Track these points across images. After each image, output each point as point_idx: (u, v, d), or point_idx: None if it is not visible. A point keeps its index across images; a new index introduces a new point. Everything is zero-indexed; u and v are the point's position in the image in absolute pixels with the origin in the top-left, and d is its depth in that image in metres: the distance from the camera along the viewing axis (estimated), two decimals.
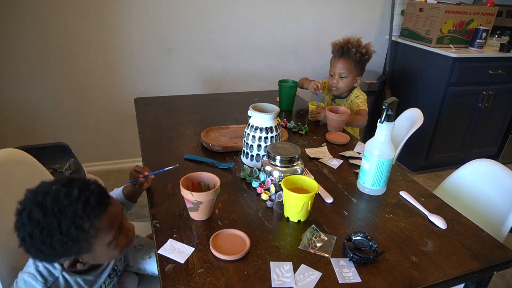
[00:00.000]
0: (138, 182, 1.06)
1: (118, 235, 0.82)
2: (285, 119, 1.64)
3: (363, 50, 1.72)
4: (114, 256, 0.87)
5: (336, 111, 1.59)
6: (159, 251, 0.86)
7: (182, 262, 0.84)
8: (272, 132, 1.21)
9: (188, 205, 0.96)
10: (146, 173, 1.06)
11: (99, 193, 0.77)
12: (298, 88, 1.83)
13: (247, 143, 1.24)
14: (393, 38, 2.90)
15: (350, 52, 1.70)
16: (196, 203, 0.93)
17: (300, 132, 1.57)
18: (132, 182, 1.06)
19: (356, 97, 1.80)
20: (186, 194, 0.93)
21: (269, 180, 1.10)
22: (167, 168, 1.10)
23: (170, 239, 0.90)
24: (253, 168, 1.21)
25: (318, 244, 0.91)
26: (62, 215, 0.72)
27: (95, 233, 0.76)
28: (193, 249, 0.88)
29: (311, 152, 1.39)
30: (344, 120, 1.56)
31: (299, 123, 1.61)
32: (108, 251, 0.82)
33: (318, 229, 0.95)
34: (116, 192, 1.12)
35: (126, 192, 1.11)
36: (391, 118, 1.06)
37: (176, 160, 1.28)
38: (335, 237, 0.94)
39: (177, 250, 0.87)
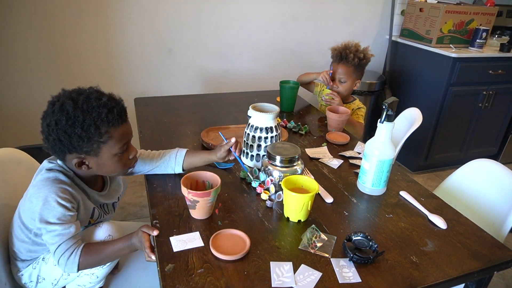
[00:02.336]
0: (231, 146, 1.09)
1: (124, 151, 0.93)
2: (285, 119, 1.63)
3: (361, 55, 1.75)
4: (114, 170, 0.95)
5: (336, 111, 1.59)
6: (176, 250, 0.87)
7: (203, 244, 0.88)
8: (272, 132, 1.21)
9: (187, 203, 0.97)
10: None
11: (122, 108, 0.91)
12: (299, 89, 1.83)
13: (247, 143, 1.24)
14: (393, 38, 2.90)
15: (348, 57, 1.74)
16: (193, 201, 0.94)
17: (300, 132, 1.57)
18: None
19: (358, 108, 1.85)
20: (183, 191, 0.94)
21: (269, 180, 1.10)
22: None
23: (171, 237, 0.90)
24: (253, 168, 1.21)
25: (318, 244, 0.91)
26: (88, 113, 0.85)
27: (107, 139, 0.88)
28: (197, 232, 0.92)
29: (311, 152, 1.39)
30: (344, 120, 1.56)
31: (299, 123, 1.61)
32: (112, 162, 0.92)
33: (318, 229, 0.95)
34: (178, 153, 1.13)
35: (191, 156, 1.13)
36: (391, 118, 1.06)
37: None
38: (335, 237, 0.94)
39: (188, 240, 0.90)
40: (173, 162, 1.13)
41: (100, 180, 1.08)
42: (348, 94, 1.84)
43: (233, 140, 1.09)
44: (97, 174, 1.02)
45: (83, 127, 0.85)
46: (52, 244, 0.87)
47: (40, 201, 0.86)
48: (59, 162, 0.94)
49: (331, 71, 1.79)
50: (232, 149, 1.10)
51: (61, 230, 0.87)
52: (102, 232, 0.99)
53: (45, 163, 0.95)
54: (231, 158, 1.14)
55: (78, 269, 0.89)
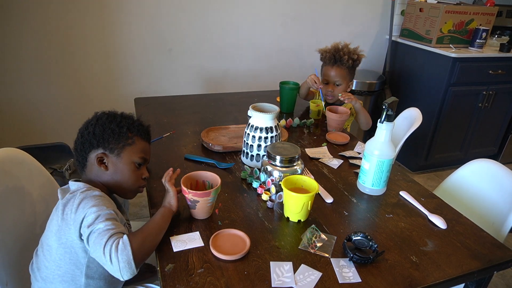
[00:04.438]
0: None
1: (140, 164, 1.00)
2: (290, 119, 1.63)
3: (354, 56, 1.72)
4: (126, 181, 0.98)
5: (336, 111, 1.59)
6: (176, 250, 0.87)
7: (203, 244, 0.89)
8: (272, 132, 1.21)
9: (187, 203, 0.97)
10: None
11: (149, 131, 1.06)
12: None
13: (247, 143, 1.24)
14: (393, 38, 2.90)
15: (342, 60, 1.70)
16: (193, 201, 0.94)
17: (305, 125, 1.61)
18: None
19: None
20: (184, 191, 0.94)
21: (270, 181, 1.10)
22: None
23: (171, 237, 0.90)
24: (253, 168, 1.21)
25: (318, 244, 0.91)
26: (125, 119, 0.99)
27: (132, 143, 0.97)
28: (197, 232, 0.92)
29: (311, 152, 1.39)
30: (344, 120, 1.56)
31: (304, 120, 1.64)
32: (128, 169, 0.97)
33: (318, 229, 0.95)
34: None
35: None
36: (391, 118, 1.06)
37: (176, 160, 1.28)
38: (335, 237, 0.94)
39: (188, 240, 0.90)
40: None
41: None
42: None
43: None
44: (110, 190, 0.99)
45: (118, 124, 0.96)
46: (101, 244, 0.80)
47: (87, 210, 0.83)
48: (80, 185, 0.92)
49: (321, 86, 1.72)
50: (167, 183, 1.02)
51: (107, 226, 0.82)
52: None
53: (71, 186, 0.92)
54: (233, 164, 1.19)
55: (134, 258, 0.79)
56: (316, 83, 1.71)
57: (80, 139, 0.98)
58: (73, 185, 0.92)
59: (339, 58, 1.71)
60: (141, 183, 1.02)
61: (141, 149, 1.00)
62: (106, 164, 0.96)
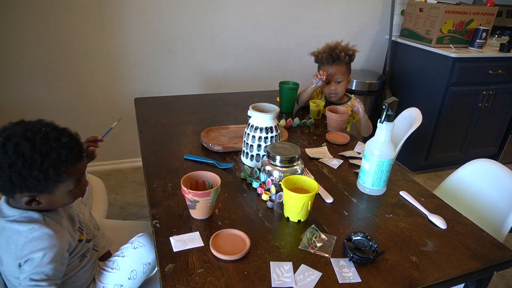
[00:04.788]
0: (89, 152, 1.09)
1: (77, 186, 0.90)
2: (290, 119, 1.63)
3: (349, 52, 1.75)
4: (64, 204, 0.94)
5: (336, 111, 1.59)
6: (176, 250, 0.87)
7: (203, 244, 0.89)
8: (272, 132, 1.21)
9: (187, 203, 0.97)
10: (99, 138, 1.10)
11: (80, 145, 0.90)
12: (299, 90, 1.83)
13: (247, 143, 1.24)
14: (393, 38, 2.90)
15: (340, 57, 1.72)
16: (193, 201, 0.94)
17: (305, 125, 1.62)
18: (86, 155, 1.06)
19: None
20: (184, 191, 0.94)
21: (270, 181, 1.10)
22: (113, 125, 1.17)
23: (171, 237, 0.91)
24: (253, 168, 1.21)
25: (318, 244, 0.91)
26: (47, 155, 0.80)
27: (65, 178, 0.85)
28: (197, 232, 0.92)
29: (311, 152, 1.39)
30: (344, 120, 1.56)
31: (304, 120, 1.64)
32: (65, 197, 0.89)
33: (318, 229, 0.95)
34: None
35: None
36: (391, 118, 1.06)
37: (176, 160, 1.28)
38: (335, 237, 0.94)
39: (188, 240, 0.90)
40: None
41: None
42: (344, 94, 1.83)
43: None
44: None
45: (41, 170, 0.80)
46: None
47: (36, 258, 0.82)
48: (15, 213, 0.86)
49: (323, 78, 1.68)
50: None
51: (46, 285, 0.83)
52: None
53: (6, 221, 0.85)
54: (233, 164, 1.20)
55: None
56: (318, 76, 1.69)
57: None
58: (7, 212, 0.86)
59: (336, 56, 1.73)
60: (79, 195, 0.94)
61: (76, 175, 0.88)
62: (38, 201, 0.86)
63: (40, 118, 0.89)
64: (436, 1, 2.67)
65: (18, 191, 0.83)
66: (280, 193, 1.07)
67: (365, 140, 1.25)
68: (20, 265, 0.83)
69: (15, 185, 0.81)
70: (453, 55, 2.44)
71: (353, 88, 2.75)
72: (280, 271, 0.83)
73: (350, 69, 1.80)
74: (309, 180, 1.02)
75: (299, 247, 0.90)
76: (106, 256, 1.14)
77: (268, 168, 1.11)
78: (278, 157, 1.08)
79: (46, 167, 0.80)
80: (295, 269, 0.83)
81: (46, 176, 0.81)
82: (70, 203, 0.95)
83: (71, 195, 0.91)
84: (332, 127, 1.58)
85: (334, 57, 1.73)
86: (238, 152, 1.34)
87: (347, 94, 1.87)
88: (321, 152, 1.39)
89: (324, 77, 1.70)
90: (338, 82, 1.77)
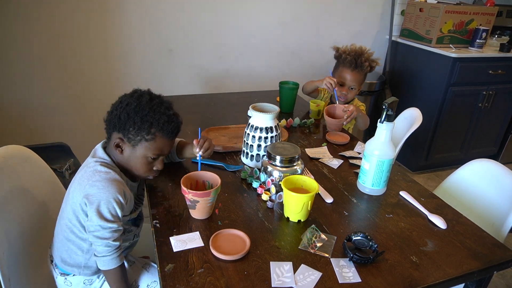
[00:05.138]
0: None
1: (154, 159, 1.01)
2: (290, 119, 1.63)
3: (373, 64, 1.69)
4: (137, 169, 1.02)
5: (333, 111, 1.59)
6: (176, 250, 0.87)
7: (203, 244, 0.89)
8: (272, 132, 1.21)
9: (187, 203, 0.97)
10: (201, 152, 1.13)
11: (178, 127, 1.03)
12: (299, 89, 1.82)
13: (247, 143, 1.24)
14: (393, 38, 2.90)
15: (363, 66, 1.66)
16: (193, 201, 0.94)
17: (305, 126, 1.61)
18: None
19: (358, 105, 1.79)
20: (184, 191, 0.94)
21: (270, 181, 1.10)
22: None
23: (171, 237, 0.91)
24: (253, 168, 1.21)
25: (318, 244, 0.91)
26: (153, 112, 0.96)
27: (150, 139, 0.97)
28: (197, 232, 0.93)
29: (311, 152, 1.39)
30: (341, 124, 1.56)
31: (305, 120, 1.64)
32: (140, 161, 1.00)
33: (318, 229, 0.95)
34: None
35: (181, 147, 1.22)
36: (391, 118, 1.06)
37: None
38: (335, 237, 0.94)
39: (188, 240, 0.90)
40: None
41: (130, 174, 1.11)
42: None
43: (196, 150, 1.13)
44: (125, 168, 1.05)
45: (142, 118, 0.95)
46: (104, 239, 0.92)
47: (102, 201, 0.91)
48: (105, 157, 1.00)
49: (336, 87, 1.67)
50: (198, 150, 1.12)
51: (117, 227, 0.93)
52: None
53: (93, 160, 0.99)
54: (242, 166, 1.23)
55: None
56: (331, 85, 1.66)
57: (109, 116, 1.00)
58: (100, 154, 1.00)
59: (360, 64, 1.66)
60: (151, 173, 1.04)
61: (159, 146, 0.99)
62: (122, 148, 0.99)
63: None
64: (436, 1, 2.67)
65: (117, 129, 0.97)
66: (280, 193, 1.07)
67: (365, 140, 1.25)
68: (86, 204, 0.92)
69: (120, 122, 0.96)
70: (453, 55, 2.44)
71: None
72: (280, 271, 0.83)
73: (365, 78, 1.76)
74: (309, 180, 1.02)
75: (299, 247, 0.90)
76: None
77: (268, 168, 1.11)
78: (278, 157, 1.08)
79: (146, 119, 0.95)
80: (295, 269, 0.83)
81: (141, 126, 0.95)
82: (143, 174, 1.03)
83: (146, 164, 1.00)
84: (331, 129, 1.58)
85: (358, 64, 1.67)
86: (238, 152, 1.34)
87: None
88: (321, 152, 1.39)
89: (337, 87, 1.67)
90: (351, 88, 1.73)
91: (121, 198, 0.93)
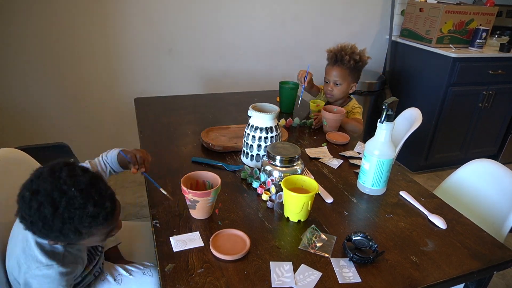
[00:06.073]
0: (129, 166, 1.04)
1: (108, 235, 0.89)
2: (290, 118, 1.63)
3: (356, 57, 1.69)
4: (97, 244, 0.99)
5: (331, 111, 1.59)
6: (176, 250, 0.87)
7: (203, 244, 0.89)
8: (272, 132, 1.21)
9: (187, 203, 0.97)
10: (142, 169, 1.03)
11: (110, 212, 0.82)
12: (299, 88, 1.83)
13: (247, 143, 1.24)
14: (393, 38, 2.90)
15: (343, 60, 1.69)
16: (193, 201, 0.94)
17: (305, 125, 1.62)
18: (124, 163, 1.05)
19: (354, 108, 1.80)
20: (184, 191, 0.94)
21: (270, 181, 1.10)
22: (161, 189, 1.02)
23: (171, 237, 0.91)
24: (253, 168, 1.21)
25: (318, 244, 0.91)
26: (69, 221, 0.76)
27: (89, 236, 0.83)
28: (197, 232, 0.92)
29: (311, 152, 1.39)
30: (339, 119, 1.56)
31: (304, 120, 1.64)
32: (94, 243, 0.95)
33: (318, 229, 0.95)
34: (110, 155, 1.06)
35: (120, 160, 1.06)
36: (391, 118, 1.06)
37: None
38: (335, 237, 0.94)
39: (188, 240, 0.90)
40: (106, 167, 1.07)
41: None
42: (344, 97, 1.80)
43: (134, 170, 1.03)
44: None
45: (61, 232, 0.77)
46: None
47: None
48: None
49: (305, 83, 1.70)
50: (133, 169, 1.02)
51: None
52: None
53: (34, 242, 0.86)
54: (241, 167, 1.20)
55: None
56: (301, 77, 1.70)
57: (23, 216, 0.79)
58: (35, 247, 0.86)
59: (340, 58, 1.70)
60: (114, 234, 0.94)
61: (104, 233, 0.86)
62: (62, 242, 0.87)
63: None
64: (436, 1, 2.67)
65: (47, 239, 0.83)
66: (280, 193, 1.07)
67: (365, 140, 1.25)
68: (20, 284, 0.87)
69: (40, 233, 0.80)
70: (453, 55, 2.44)
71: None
72: (280, 271, 0.83)
73: (355, 75, 1.75)
74: (309, 180, 1.02)
75: (299, 247, 0.90)
76: (114, 252, 1.17)
77: (268, 168, 1.11)
78: (278, 157, 1.08)
79: (67, 230, 0.77)
80: (295, 269, 0.83)
81: (67, 238, 0.80)
82: (100, 244, 0.99)
83: (100, 241, 0.90)
84: (331, 128, 1.58)
85: (338, 58, 1.70)
86: (238, 152, 1.34)
87: (349, 96, 1.85)
88: (321, 152, 1.39)
89: (305, 83, 1.70)
90: (337, 84, 1.73)
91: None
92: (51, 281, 0.86)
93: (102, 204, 0.80)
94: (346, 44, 1.74)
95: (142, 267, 1.13)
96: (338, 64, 1.71)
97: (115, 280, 1.08)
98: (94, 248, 1.05)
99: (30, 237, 0.86)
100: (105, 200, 0.81)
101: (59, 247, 0.88)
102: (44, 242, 0.86)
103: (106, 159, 1.06)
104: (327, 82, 1.77)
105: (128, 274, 1.10)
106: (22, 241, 0.88)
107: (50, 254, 0.86)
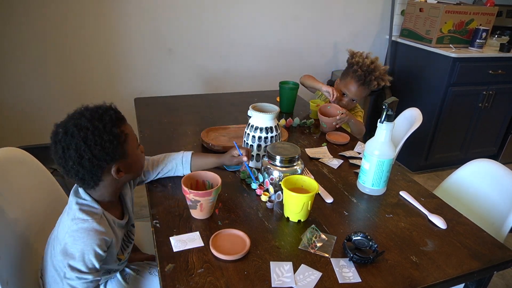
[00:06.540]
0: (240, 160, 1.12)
1: (139, 145, 0.98)
2: (290, 118, 1.63)
3: (382, 83, 1.65)
4: (141, 165, 1.01)
5: (327, 114, 1.59)
6: (176, 250, 0.87)
7: (203, 244, 0.89)
8: (272, 132, 1.21)
9: (188, 203, 0.97)
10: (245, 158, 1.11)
11: (118, 113, 0.93)
12: (299, 88, 1.82)
13: (247, 143, 1.24)
14: (393, 38, 2.90)
15: (371, 84, 1.64)
16: (194, 201, 0.94)
17: (305, 125, 1.61)
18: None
19: (356, 112, 1.79)
20: (184, 191, 0.94)
21: (268, 181, 1.10)
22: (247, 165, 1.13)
23: (171, 237, 0.91)
24: (252, 168, 1.21)
25: (318, 244, 0.91)
26: (101, 120, 0.86)
27: (124, 137, 0.90)
28: (197, 232, 0.92)
29: (311, 152, 1.39)
30: (333, 121, 1.56)
31: (304, 120, 1.64)
32: (137, 155, 0.96)
33: (318, 229, 0.95)
34: (183, 155, 1.14)
35: (197, 161, 1.15)
36: (391, 118, 1.06)
37: None
38: (335, 237, 0.94)
39: (188, 240, 0.90)
40: (180, 167, 1.14)
41: (118, 206, 1.07)
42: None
43: (244, 158, 1.11)
44: (114, 201, 1.01)
45: (110, 132, 0.87)
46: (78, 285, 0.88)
47: (77, 253, 0.86)
48: (86, 197, 0.92)
49: (333, 100, 1.66)
50: (245, 160, 1.11)
51: (93, 278, 0.89)
52: None
53: (75, 203, 0.92)
54: (241, 167, 1.20)
55: None
56: (331, 97, 1.65)
57: (77, 174, 0.87)
58: (81, 194, 0.92)
59: (369, 81, 1.63)
60: (144, 158, 1.02)
61: (131, 133, 0.94)
62: (122, 170, 0.93)
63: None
64: (436, 1, 2.67)
65: (106, 163, 0.88)
66: (279, 192, 1.07)
67: (365, 140, 1.25)
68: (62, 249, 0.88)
69: (101, 158, 0.86)
70: (453, 55, 2.44)
71: None
72: (280, 271, 0.83)
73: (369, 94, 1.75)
74: (309, 180, 1.02)
75: (299, 247, 0.90)
76: (137, 254, 1.23)
77: (268, 168, 1.11)
78: (278, 157, 1.08)
79: (110, 128, 0.87)
80: (295, 269, 0.83)
81: (115, 137, 0.87)
82: (142, 164, 1.02)
83: (140, 159, 0.98)
84: (330, 128, 1.58)
85: (367, 81, 1.63)
86: None
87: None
88: (321, 152, 1.39)
89: (334, 99, 1.65)
90: (353, 100, 1.72)
91: (98, 250, 0.87)
92: (86, 235, 0.86)
93: (102, 108, 0.91)
94: (377, 65, 1.65)
95: (148, 267, 1.15)
96: (364, 86, 1.66)
97: (123, 279, 1.11)
98: (126, 235, 1.07)
99: (72, 201, 0.91)
100: (111, 106, 0.93)
101: (97, 207, 0.91)
102: (84, 201, 0.91)
103: (186, 161, 1.14)
104: (343, 94, 1.72)
105: (136, 274, 1.12)
106: (68, 213, 0.91)
107: (87, 212, 0.89)
